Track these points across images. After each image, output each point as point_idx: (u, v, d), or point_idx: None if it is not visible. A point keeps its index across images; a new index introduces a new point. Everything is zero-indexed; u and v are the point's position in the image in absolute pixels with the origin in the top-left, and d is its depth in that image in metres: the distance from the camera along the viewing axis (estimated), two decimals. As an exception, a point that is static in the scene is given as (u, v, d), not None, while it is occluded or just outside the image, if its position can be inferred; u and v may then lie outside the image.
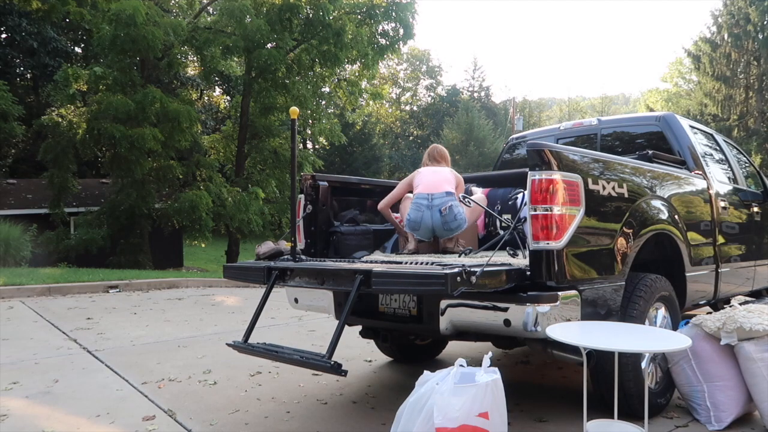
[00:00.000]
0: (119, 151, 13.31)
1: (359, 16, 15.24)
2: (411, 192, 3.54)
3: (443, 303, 2.69)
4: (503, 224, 3.50)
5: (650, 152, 3.62)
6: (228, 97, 24.74)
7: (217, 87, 25.75)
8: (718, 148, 4.50)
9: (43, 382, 3.60)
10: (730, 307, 3.01)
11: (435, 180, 3.46)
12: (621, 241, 2.74)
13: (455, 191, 3.45)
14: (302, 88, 15.41)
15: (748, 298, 4.71)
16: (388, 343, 3.99)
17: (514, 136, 5.29)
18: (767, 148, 21.10)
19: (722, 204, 3.91)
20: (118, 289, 8.09)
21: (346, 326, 2.46)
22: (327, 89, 18.67)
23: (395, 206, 4.14)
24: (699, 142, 4.09)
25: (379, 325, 3.31)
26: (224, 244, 17.59)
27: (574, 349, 2.25)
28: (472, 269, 2.20)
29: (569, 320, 2.43)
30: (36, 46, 20.63)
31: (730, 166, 4.52)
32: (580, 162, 2.64)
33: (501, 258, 2.83)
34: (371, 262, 2.97)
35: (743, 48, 21.56)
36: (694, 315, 3.17)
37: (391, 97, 42.51)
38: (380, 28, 15.53)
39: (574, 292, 2.45)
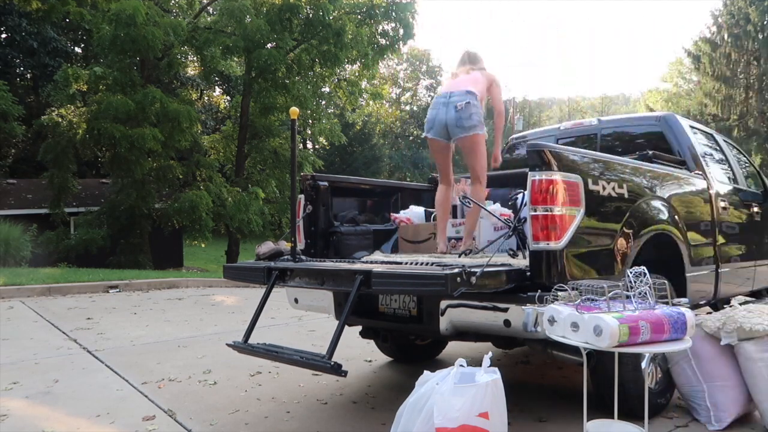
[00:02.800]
0: (119, 151, 13.31)
1: (359, 16, 15.24)
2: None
3: (443, 303, 2.69)
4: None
5: (650, 152, 3.62)
6: (228, 97, 24.74)
7: (217, 87, 25.76)
8: (718, 148, 4.50)
9: (43, 382, 3.60)
10: (730, 307, 3.01)
11: (458, 81, 3.44)
12: (621, 241, 2.74)
13: (482, 91, 3.39)
14: (302, 88, 15.41)
15: (748, 298, 4.71)
16: (388, 343, 3.99)
17: (514, 136, 5.28)
18: (767, 148, 21.10)
19: (722, 204, 3.91)
20: (118, 289, 8.09)
21: (346, 326, 2.46)
22: (327, 89, 18.67)
23: (396, 208, 4.14)
24: (699, 142, 4.09)
25: (379, 325, 3.31)
26: (224, 244, 17.59)
27: (574, 350, 2.24)
28: (472, 270, 2.20)
29: (569, 320, 2.42)
30: (36, 46, 20.64)
31: (730, 166, 4.52)
32: (580, 162, 2.64)
33: (501, 258, 2.83)
34: (371, 262, 2.97)
35: (743, 48, 21.55)
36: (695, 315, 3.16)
37: (391, 97, 42.48)
38: (380, 28, 15.54)
39: (574, 292, 2.45)
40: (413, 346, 4.20)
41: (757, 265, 4.51)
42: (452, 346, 4.52)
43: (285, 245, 3.23)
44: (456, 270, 2.16)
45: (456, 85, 3.41)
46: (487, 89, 3.45)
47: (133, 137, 12.81)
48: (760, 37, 21.12)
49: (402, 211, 4.00)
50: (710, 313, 3.14)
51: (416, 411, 2.08)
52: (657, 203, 3.08)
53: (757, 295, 4.80)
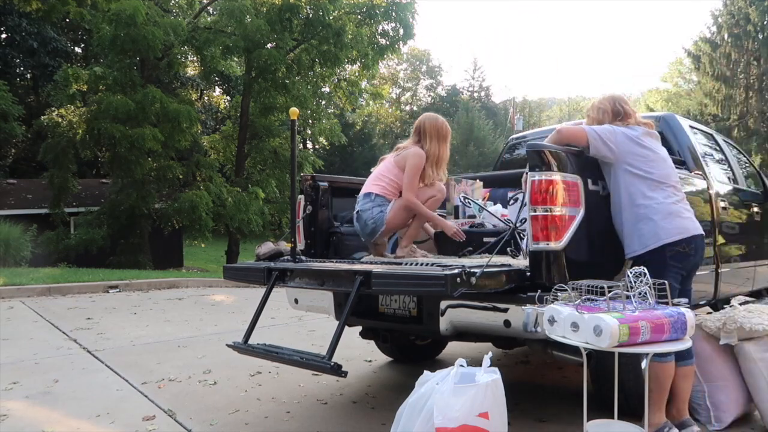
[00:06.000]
0: (119, 151, 13.32)
1: (359, 16, 15.24)
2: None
3: (443, 304, 2.69)
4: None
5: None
6: (228, 97, 24.72)
7: (217, 87, 25.75)
8: (718, 148, 4.50)
9: (43, 382, 3.60)
10: (730, 307, 3.01)
11: (371, 177, 3.27)
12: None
13: (388, 183, 3.14)
14: (302, 88, 15.41)
15: (748, 298, 4.71)
16: (388, 344, 3.99)
17: (514, 136, 5.28)
18: (767, 148, 21.10)
19: (722, 204, 3.91)
20: (118, 289, 8.09)
21: (346, 327, 2.46)
22: (327, 89, 18.67)
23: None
24: (699, 142, 4.08)
25: (379, 325, 3.31)
26: (224, 244, 17.59)
27: (575, 350, 2.24)
28: (471, 270, 2.20)
29: (569, 320, 2.42)
30: (36, 46, 20.63)
31: (730, 166, 4.52)
32: (581, 162, 2.64)
33: (501, 259, 2.83)
34: (371, 262, 2.97)
35: (743, 48, 21.55)
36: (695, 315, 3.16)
37: (391, 97, 42.51)
38: (380, 28, 15.53)
39: (574, 292, 2.45)
40: (413, 346, 4.20)
41: (757, 265, 4.51)
42: (452, 346, 4.52)
43: (285, 246, 3.23)
44: (456, 270, 2.16)
45: (365, 186, 3.23)
46: (396, 174, 3.17)
47: (133, 137, 12.81)
48: (760, 37, 21.12)
49: (402, 212, 3.99)
50: (710, 313, 3.14)
51: (416, 411, 2.08)
52: (657, 203, 3.07)
53: (757, 295, 4.80)
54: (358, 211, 3.17)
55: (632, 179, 2.61)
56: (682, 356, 2.51)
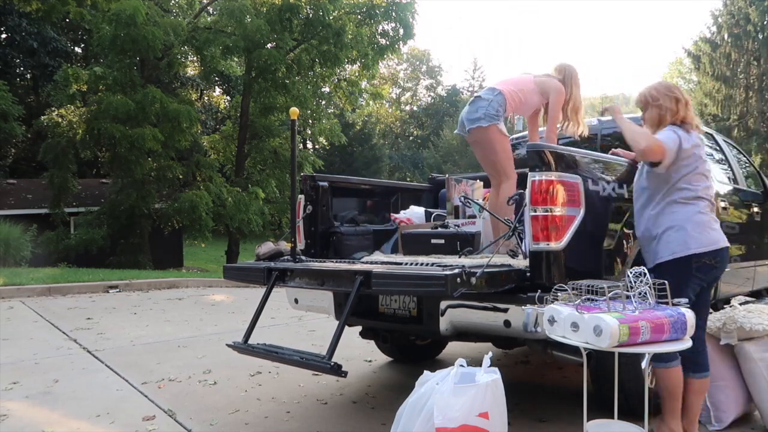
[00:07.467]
0: (119, 151, 13.32)
1: (359, 16, 15.24)
2: None
3: (443, 304, 2.69)
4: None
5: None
6: (228, 97, 24.72)
7: (217, 87, 25.75)
8: (718, 148, 4.50)
9: (43, 382, 3.60)
10: (730, 307, 3.01)
11: (504, 79, 3.52)
12: (621, 241, 2.74)
13: (513, 91, 3.37)
14: (302, 88, 15.40)
15: (748, 298, 4.70)
16: (388, 344, 3.99)
17: (514, 136, 5.27)
18: (767, 148, 21.10)
19: (722, 204, 3.91)
20: (118, 289, 8.09)
21: (346, 326, 2.46)
22: (327, 89, 18.67)
23: (396, 208, 4.13)
24: (699, 143, 4.08)
25: (379, 325, 3.31)
26: (224, 244, 17.59)
27: (575, 350, 2.24)
28: (472, 270, 2.20)
29: (569, 321, 2.42)
30: (36, 46, 20.63)
31: (730, 166, 4.51)
32: (581, 163, 2.64)
33: (501, 259, 2.83)
34: (371, 262, 2.97)
35: (743, 48, 21.54)
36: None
37: (391, 97, 42.49)
38: (380, 28, 15.53)
39: (574, 292, 2.45)
40: (413, 347, 4.20)
41: (757, 265, 4.51)
42: (452, 346, 4.52)
43: (285, 245, 3.23)
44: (456, 270, 2.16)
45: (492, 84, 3.53)
46: (542, 94, 3.48)
47: (133, 137, 12.81)
48: (760, 37, 21.12)
49: (402, 211, 4.00)
50: (710, 313, 3.14)
51: (416, 411, 2.08)
52: (657, 203, 3.07)
53: (757, 295, 4.79)
54: (477, 96, 3.41)
55: (672, 189, 2.53)
56: (698, 368, 2.49)
